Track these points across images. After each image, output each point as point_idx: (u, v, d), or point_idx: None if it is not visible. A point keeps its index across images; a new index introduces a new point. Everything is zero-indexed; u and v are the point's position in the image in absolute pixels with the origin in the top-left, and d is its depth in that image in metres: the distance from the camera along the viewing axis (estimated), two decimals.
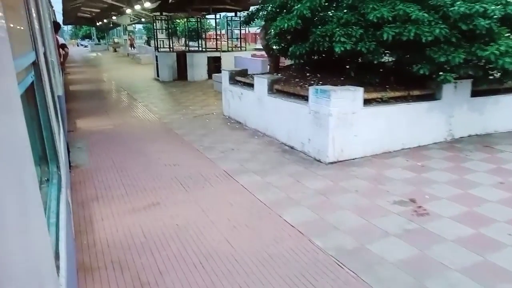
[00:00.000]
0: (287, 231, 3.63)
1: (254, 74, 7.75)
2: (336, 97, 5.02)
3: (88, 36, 67.22)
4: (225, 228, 3.73)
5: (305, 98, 5.82)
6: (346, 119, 5.17)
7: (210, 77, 14.83)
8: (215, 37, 17.42)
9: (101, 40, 56.00)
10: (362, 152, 5.41)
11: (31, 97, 2.33)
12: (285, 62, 9.35)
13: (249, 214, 3.99)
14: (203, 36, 17.36)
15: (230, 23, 16.56)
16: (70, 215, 2.82)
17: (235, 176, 5.01)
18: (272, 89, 6.64)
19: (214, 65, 15.11)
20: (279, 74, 7.13)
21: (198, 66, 14.88)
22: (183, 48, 20.18)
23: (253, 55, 16.01)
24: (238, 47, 17.17)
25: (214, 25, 17.95)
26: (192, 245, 3.43)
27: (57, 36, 9.80)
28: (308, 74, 6.69)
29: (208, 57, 15.19)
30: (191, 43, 22.23)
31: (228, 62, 14.89)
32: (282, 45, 6.70)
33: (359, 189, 4.43)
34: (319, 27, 5.86)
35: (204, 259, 3.22)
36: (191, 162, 5.69)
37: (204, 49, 15.72)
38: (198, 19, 17.34)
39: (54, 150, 2.54)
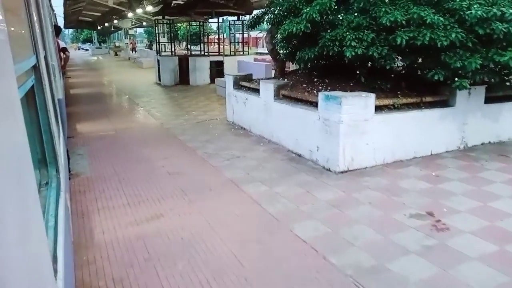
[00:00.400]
0: (299, 247, 3.42)
1: (259, 79, 7.56)
2: (347, 104, 4.82)
3: (89, 40, 67.18)
4: (233, 243, 3.51)
5: (313, 104, 5.62)
6: (357, 127, 4.97)
7: (212, 81, 14.68)
8: (216, 41, 17.20)
9: (102, 44, 55.93)
10: (373, 161, 5.21)
11: (32, 101, 2.34)
12: (290, 67, 9.19)
13: (258, 228, 3.78)
14: (205, 40, 17.19)
15: (233, 27, 16.41)
16: (68, 219, 2.83)
17: (242, 186, 4.81)
18: (279, 95, 6.45)
19: (217, 70, 14.95)
20: (286, 79, 6.94)
21: (200, 70, 14.72)
22: (185, 52, 20.04)
23: (256, 59, 15.86)
24: (241, 51, 17.02)
25: (214, 29, 17.78)
26: (198, 262, 3.22)
27: (58, 40, 9.73)
28: (315, 80, 6.49)
29: (211, 61, 15.03)
30: (192, 47, 22.10)
31: (230, 66, 14.73)
32: (289, 49, 6.51)
33: (372, 201, 4.22)
34: (328, 31, 5.68)
35: (212, 278, 3.01)
36: (195, 170, 5.49)
37: (206, 53, 15.56)
38: (201, 23, 17.19)
39: (54, 153, 2.54)
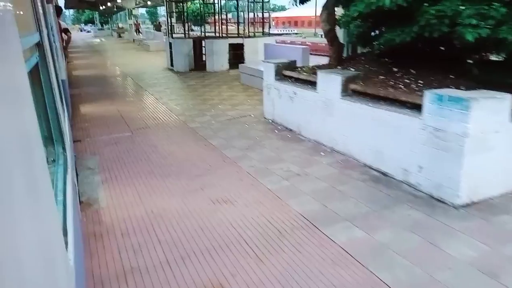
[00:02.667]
0: None
1: (315, 68, 6.03)
2: (478, 109, 3.33)
3: (90, 21, 65.21)
4: None
5: (406, 105, 4.13)
6: (486, 141, 3.48)
7: (231, 67, 13.11)
8: (221, 21, 15.43)
9: (104, 25, 53.92)
10: (502, 188, 3.74)
11: (36, 78, 2.35)
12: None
13: None
14: (220, 19, 15.42)
15: (252, 4, 14.66)
16: (76, 195, 2.98)
17: (324, 229, 3.36)
18: (347, 90, 4.94)
19: (234, 53, 13.30)
20: (352, 69, 5.40)
21: (218, 54, 13.10)
22: (197, 34, 18.35)
23: (279, 42, 14.20)
24: (260, 32, 15.30)
25: (214, 9, 15.95)
26: None
27: (59, 21, 8.76)
28: (395, 70, 4.97)
29: (229, 44, 13.36)
30: (196, 28, 20.30)
31: (251, 49, 13.12)
32: (362, 30, 4.93)
33: None
34: (426, 4, 4.14)
35: None
36: (247, 196, 4.05)
37: (224, 35, 13.89)
38: (215, 1, 15.44)
39: (60, 131, 2.60)
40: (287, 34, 43.83)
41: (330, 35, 5.80)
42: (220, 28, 14.73)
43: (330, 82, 5.05)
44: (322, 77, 5.23)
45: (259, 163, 4.97)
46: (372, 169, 4.52)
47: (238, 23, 14.36)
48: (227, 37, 13.70)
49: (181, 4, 15.45)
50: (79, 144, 5.94)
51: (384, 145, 4.31)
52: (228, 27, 16.25)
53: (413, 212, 3.55)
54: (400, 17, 4.23)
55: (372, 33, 4.95)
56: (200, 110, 7.99)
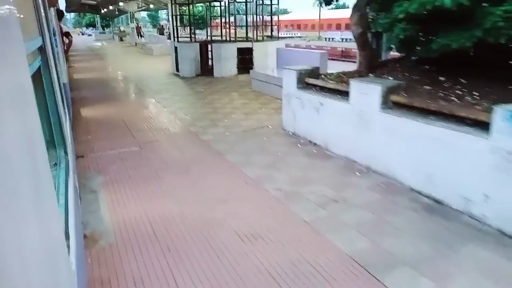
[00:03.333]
0: None
1: (343, 76, 5.43)
2: None
3: (92, 25, 64.88)
4: None
5: (466, 121, 3.53)
6: None
7: (239, 72, 12.54)
8: (223, 25, 14.84)
9: (105, 28, 53.45)
10: None
11: (38, 82, 2.37)
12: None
13: None
14: (231, 23, 14.84)
15: (261, 8, 14.07)
16: (78, 199, 3.02)
17: (384, 278, 2.74)
18: (387, 102, 4.34)
19: (241, 58, 12.70)
20: (391, 77, 4.80)
21: (226, 59, 12.50)
22: (202, 37, 17.79)
23: (287, 45, 13.61)
24: (269, 36, 14.72)
25: (220, 11, 15.25)
26: None
27: (60, 24, 8.43)
28: (442, 79, 4.37)
29: (237, 48, 12.77)
30: (197, 31, 19.64)
31: (261, 54, 12.54)
32: (410, 33, 4.31)
33: None
34: (484, 4, 3.55)
35: None
36: (280, 230, 3.44)
37: (233, 39, 13.29)
38: (224, 3, 14.87)
39: (62, 135, 2.61)
40: (291, 37, 43.33)
41: (362, 39, 5.20)
42: (229, 31, 14.11)
43: (367, 92, 4.45)
44: (356, 86, 4.63)
45: (286, 185, 4.36)
46: (422, 195, 3.90)
47: (247, 26, 13.74)
48: (235, 41, 13.09)
49: (185, 6, 14.86)
50: (81, 160, 5.35)
51: (437, 168, 3.71)
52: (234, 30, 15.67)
53: (483, 253, 2.94)
54: (457, 19, 3.63)
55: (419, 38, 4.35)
56: (211, 120, 7.39)
